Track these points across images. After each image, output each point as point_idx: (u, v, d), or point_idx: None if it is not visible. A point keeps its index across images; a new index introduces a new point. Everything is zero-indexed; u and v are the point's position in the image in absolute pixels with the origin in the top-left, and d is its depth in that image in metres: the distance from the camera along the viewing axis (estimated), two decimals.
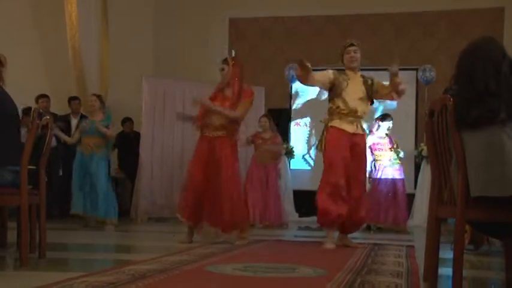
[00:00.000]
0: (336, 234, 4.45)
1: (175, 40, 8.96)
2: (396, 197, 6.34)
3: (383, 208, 6.30)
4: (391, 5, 8.67)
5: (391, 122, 6.44)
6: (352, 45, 4.39)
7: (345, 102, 4.29)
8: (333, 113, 4.35)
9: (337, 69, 4.49)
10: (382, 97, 4.53)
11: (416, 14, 8.80)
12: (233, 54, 8.91)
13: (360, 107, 4.34)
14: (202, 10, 9.07)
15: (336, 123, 4.31)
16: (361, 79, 4.41)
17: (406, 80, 8.42)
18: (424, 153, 7.09)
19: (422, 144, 7.13)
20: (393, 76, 4.27)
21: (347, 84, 4.32)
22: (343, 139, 4.27)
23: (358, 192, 4.31)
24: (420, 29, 8.80)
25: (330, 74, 4.37)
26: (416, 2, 8.60)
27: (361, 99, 4.34)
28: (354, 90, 4.32)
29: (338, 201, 4.20)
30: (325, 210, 4.23)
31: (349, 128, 4.29)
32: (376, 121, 6.52)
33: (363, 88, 4.37)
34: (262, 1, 8.98)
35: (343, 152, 4.24)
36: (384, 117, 6.53)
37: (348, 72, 4.40)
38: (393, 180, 6.39)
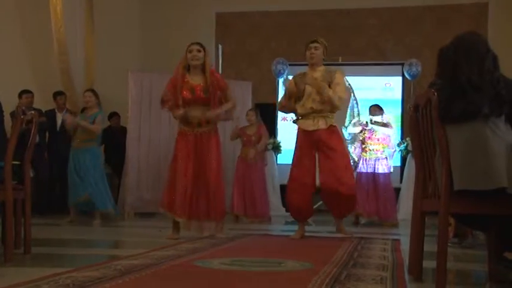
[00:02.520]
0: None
1: (162, 34, 8.91)
2: (378, 190, 6.34)
3: (367, 202, 6.31)
4: (376, 0, 8.72)
5: (380, 115, 6.42)
6: (314, 41, 4.45)
7: (303, 106, 4.45)
8: (297, 112, 4.53)
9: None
10: None
11: (401, 9, 8.86)
12: (220, 49, 8.91)
13: (318, 104, 4.40)
14: (189, 4, 9.04)
15: (299, 123, 4.52)
16: (320, 74, 4.45)
17: (392, 73, 8.62)
18: (410, 147, 7.14)
19: (407, 138, 7.19)
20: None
21: (304, 86, 4.45)
22: (305, 138, 4.45)
23: (332, 168, 4.35)
24: (405, 24, 8.87)
25: (291, 85, 4.54)
26: None
27: (319, 95, 4.40)
28: (311, 90, 4.41)
29: (299, 192, 4.40)
30: (289, 203, 4.56)
31: (309, 126, 4.42)
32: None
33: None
34: None
35: (304, 151, 4.43)
36: (371, 109, 6.49)
37: (308, 70, 4.48)
38: (375, 174, 6.37)
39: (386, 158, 6.43)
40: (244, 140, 6.73)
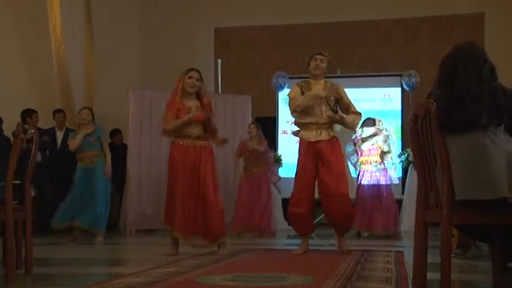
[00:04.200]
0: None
1: (161, 50, 8.95)
2: (381, 202, 6.32)
3: (369, 214, 6.29)
4: (374, 12, 8.77)
5: (373, 127, 6.43)
6: (320, 54, 4.49)
7: (304, 116, 4.46)
8: (300, 122, 4.55)
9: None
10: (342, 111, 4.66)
11: (399, 20, 8.91)
12: (219, 64, 8.95)
13: (321, 114, 4.42)
14: (187, 20, 9.09)
15: (302, 134, 4.52)
16: (322, 86, 4.50)
17: (391, 84, 8.64)
18: (411, 158, 7.13)
19: (408, 149, 7.18)
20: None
21: (305, 92, 4.49)
22: (308, 150, 4.46)
23: (331, 190, 4.37)
24: (403, 35, 8.91)
25: (297, 90, 4.53)
26: (398, 8, 8.70)
27: (323, 106, 4.45)
28: (319, 102, 4.45)
29: (300, 205, 4.39)
30: (291, 217, 4.53)
31: (311, 137, 4.44)
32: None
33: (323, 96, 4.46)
34: (247, 10, 9.02)
35: (307, 162, 4.44)
36: (364, 122, 6.49)
37: (311, 81, 4.51)
38: (377, 186, 6.36)
39: (386, 169, 6.43)
40: (247, 155, 6.71)
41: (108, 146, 6.23)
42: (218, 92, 8.56)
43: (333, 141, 4.48)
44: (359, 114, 4.58)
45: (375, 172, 6.39)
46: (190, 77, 4.42)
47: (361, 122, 6.49)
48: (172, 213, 4.32)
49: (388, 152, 6.45)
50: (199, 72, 4.50)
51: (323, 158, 4.42)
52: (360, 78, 8.47)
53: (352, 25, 8.94)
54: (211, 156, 4.48)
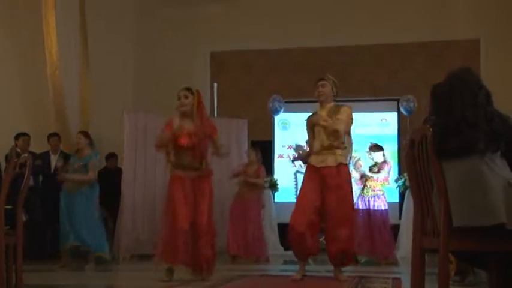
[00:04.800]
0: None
1: (157, 74, 8.99)
2: (375, 228, 6.26)
3: (365, 240, 6.25)
4: (370, 37, 8.86)
5: (380, 152, 6.44)
6: (320, 79, 4.54)
7: (314, 144, 4.53)
8: (310, 150, 4.62)
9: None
10: None
11: (394, 46, 8.99)
12: (215, 88, 8.99)
13: (327, 141, 4.43)
14: (183, 44, 9.16)
15: (310, 159, 4.55)
16: (326, 112, 4.52)
17: (388, 109, 8.68)
18: (408, 183, 7.12)
19: (405, 174, 7.18)
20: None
21: (313, 125, 4.55)
22: (313, 175, 4.46)
23: (336, 223, 4.36)
24: (399, 60, 8.98)
25: (308, 128, 4.63)
26: (393, 33, 8.80)
27: (328, 133, 4.46)
28: (319, 128, 4.48)
29: (299, 224, 4.33)
30: (290, 239, 4.45)
31: (317, 162, 4.46)
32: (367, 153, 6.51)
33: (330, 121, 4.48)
34: (243, 34, 9.09)
35: (311, 187, 4.43)
36: (370, 148, 6.50)
37: (319, 108, 4.56)
38: (372, 211, 6.30)
39: (383, 194, 6.41)
40: (242, 179, 6.69)
41: (93, 174, 6.10)
42: (214, 115, 8.58)
43: (340, 168, 4.46)
44: (339, 120, 4.42)
45: (372, 197, 6.37)
46: (178, 98, 4.45)
47: (362, 145, 6.57)
48: (167, 243, 4.30)
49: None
50: (188, 89, 4.47)
51: (327, 185, 4.40)
52: (356, 102, 8.49)
53: (348, 49, 9.02)
54: (209, 187, 4.45)
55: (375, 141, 6.62)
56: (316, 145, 4.49)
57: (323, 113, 4.52)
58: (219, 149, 4.52)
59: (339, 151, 4.46)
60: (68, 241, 5.90)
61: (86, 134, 6.26)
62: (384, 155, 6.43)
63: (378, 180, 6.37)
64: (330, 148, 4.44)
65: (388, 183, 6.69)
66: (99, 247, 5.96)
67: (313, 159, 4.50)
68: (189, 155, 4.38)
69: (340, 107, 4.54)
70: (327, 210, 4.37)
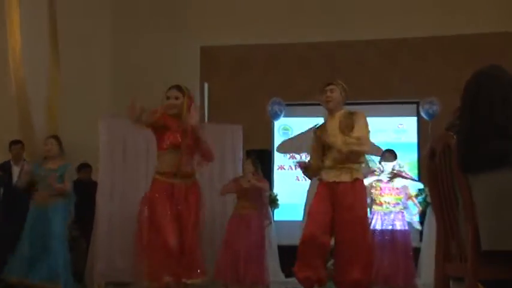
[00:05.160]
0: None
1: (137, 73, 8.97)
2: (395, 250, 6.29)
3: (383, 265, 6.23)
4: (384, 31, 8.84)
5: (394, 161, 6.45)
6: (328, 84, 4.54)
7: (327, 158, 4.51)
8: (322, 165, 4.59)
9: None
10: None
11: (412, 41, 8.96)
12: (205, 88, 8.99)
13: (340, 155, 4.43)
14: (169, 38, 9.16)
15: (321, 175, 4.57)
16: (337, 122, 4.53)
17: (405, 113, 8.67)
18: (429, 199, 7.10)
19: (426, 188, 7.16)
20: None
21: (322, 135, 4.56)
22: (326, 191, 4.47)
23: (347, 248, 4.36)
24: (417, 57, 8.95)
25: (313, 140, 4.65)
26: (411, 26, 8.75)
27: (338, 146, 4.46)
28: (329, 139, 4.50)
29: (310, 260, 4.34)
30: (296, 269, 4.44)
31: (329, 176, 4.46)
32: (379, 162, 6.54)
33: (338, 133, 4.49)
34: (238, 27, 9.10)
35: (322, 204, 4.43)
36: (383, 155, 6.52)
37: (327, 115, 4.57)
38: (392, 231, 6.34)
39: (402, 211, 6.40)
40: (239, 193, 6.66)
41: (71, 187, 6.13)
42: (204, 120, 8.56)
43: (356, 184, 4.46)
44: (359, 139, 4.41)
45: (389, 215, 6.36)
46: (167, 98, 4.44)
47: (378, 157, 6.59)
48: (151, 261, 4.30)
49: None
50: (178, 87, 4.49)
51: (340, 204, 4.40)
52: (368, 105, 8.43)
53: (358, 45, 9.01)
54: (200, 195, 4.45)
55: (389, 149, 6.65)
56: (329, 160, 4.49)
57: (332, 124, 4.50)
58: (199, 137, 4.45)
59: (356, 165, 4.47)
60: (30, 276, 5.76)
61: (58, 140, 6.23)
62: (400, 165, 6.44)
63: (393, 193, 6.36)
64: (345, 163, 4.44)
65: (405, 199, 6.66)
66: (67, 283, 5.87)
67: (325, 174, 4.50)
68: (178, 158, 4.36)
69: (353, 114, 4.52)
70: (339, 234, 4.36)
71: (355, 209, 4.41)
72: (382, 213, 6.39)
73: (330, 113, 4.56)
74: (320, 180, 4.59)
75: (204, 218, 4.58)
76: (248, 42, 9.21)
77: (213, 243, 6.79)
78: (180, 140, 4.35)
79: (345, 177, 4.43)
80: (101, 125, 7.40)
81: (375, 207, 6.44)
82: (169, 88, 4.50)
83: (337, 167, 4.45)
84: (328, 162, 4.50)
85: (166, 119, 4.37)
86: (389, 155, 6.48)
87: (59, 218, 5.93)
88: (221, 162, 7.74)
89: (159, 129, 4.38)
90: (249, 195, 6.62)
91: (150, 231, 4.37)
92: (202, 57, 9.39)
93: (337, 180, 4.43)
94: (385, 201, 6.42)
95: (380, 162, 6.53)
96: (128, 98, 8.81)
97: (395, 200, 6.43)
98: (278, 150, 8.43)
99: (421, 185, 6.82)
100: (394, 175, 6.40)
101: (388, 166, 6.42)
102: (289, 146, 8.31)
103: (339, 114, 4.53)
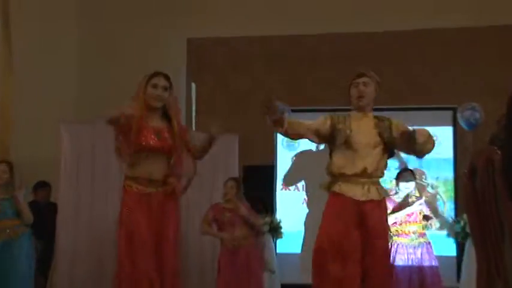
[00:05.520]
0: None
1: (109, 72, 9.00)
2: None
3: None
4: (414, 20, 8.86)
5: (412, 181, 6.46)
6: (361, 75, 4.48)
7: (352, 164, 4.38)
8: (333, 174, 4.44)
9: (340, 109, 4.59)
10: (403, 148, 4.57)
11: (448, 32, 8.99)
12: (193, 89, 9.00)
13: (372, 163, 4.37)
14: (148, 27, 9.18)
15: (338, 187, 4.38)
16: (373, 122, 4.46)
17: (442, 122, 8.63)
18: (468, 228, 7.10)
19: (464, 215, 7.15)
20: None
21: (350, 131, 4.39)
22: (347, 210, 4.32)
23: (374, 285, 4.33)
24: (454, 53, 8.97)
25: (324, 119, 4.51)
26: (446, 15, 8.78)
27: (373, 151, 4.39)
28: (361, 140, 4.38)
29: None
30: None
31: (357, 193, 4.34)
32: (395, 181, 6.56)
33: (375, 135, 4.42)
34: (233, 14, 9.14)
35: (345, 229, 4.29)
36: (400, 175, 6.53)
37: (354, 114, 4.49)
38: (419, 268, 6.35)
39: (430, 242, 6.40)
40: (221, 222, 6.66)
41: (26, 208, 6.27)
42: (192, 128, 8.57)
43: (382, 204, 4.45)
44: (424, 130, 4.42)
45: (415, 248, 6.35)
46: (154, 86, 4.42)
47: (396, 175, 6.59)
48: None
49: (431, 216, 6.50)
50: (167, 77, 4.49)
51: (369, 229, 4.34)
52: (391, 112, 8.40)
53: (380, 37, 9.04)
54: (177, 210, 4.45)
55: (410, 166, 6.71)
56: (357, 166, 4.38)
57: (365, 124, 4.44)
58: (197, 152, 4.57)
59: (380, 180, 4.48)
60: None
61: (10, 166, 6.35)
62: (433, 187, 6.46)
63: (417, 221, 6.37)
64: (374, 176, 4.41)
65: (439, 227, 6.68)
66: None
67: (348, 188, 4.39)
68: (155, 162, 4.35)
69: (387, 120, 4.51)
70: (365, 270, 4.32)
71: (383, 235, 4.40)
72: (406, 245, 6.38)
73: (360, 111, 4.51)
74: (334, 194, 4.43)
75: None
76: (246, 33, 9.24)
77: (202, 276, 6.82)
78: (159, 143, 4.36)
79: (374, 195, 4.38)
80: (63, 133, 7.42)
81: (397, 238, 6.44)
82: (154, 74, 4.47)
83: (362, 180, 4.38)
84: (352, 168, 4.39)
85: (142, 118, 4.34)
86: (405, 174, 6.48)
87: (26, 253, 6.13)
88: (212, 179, 7.74)
89: (129, 127, 4.34)
90: (233, 221, 6.63)
91: (129, 262, 4.35)
92: (189, 52, 9.43)
93: (365, 198, 4.34)
94: (411, 231, 6.41)
95: (397, 184, 6.50)
96: (96, 102, 8.91)
97: (422, 228, 6.42)
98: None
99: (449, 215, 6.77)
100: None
101: (406, 188, 6.43)
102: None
103: (370, 116, 4.51)
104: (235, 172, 7.97)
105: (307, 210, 8.23)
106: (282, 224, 8.09)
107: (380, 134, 4.44)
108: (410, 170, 6.63)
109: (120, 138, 4.42)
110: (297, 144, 8.73)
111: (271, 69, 9.18)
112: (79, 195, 7.43)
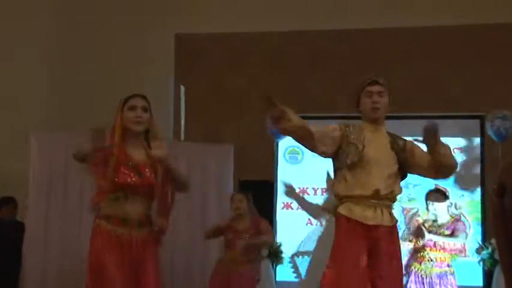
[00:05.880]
0: None
1: (85, 73, 8.99)
2: None
3: None
4: (426, 18, 8.86)
5: (445, 202, 6.51)
6: (375, 82, 4.49)
7: (364, 184, 4.36)
8: (340, 195, 4.43)
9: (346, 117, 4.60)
10: (418, 170, 4.57)
11: (476, 28, 9.00)
12: (182, 93, 9.00)
13: (385, 183, 4.39)
14: (131, 22, 9.19)
15: (346, 209, 4.38)
16: (387, 139, 4.48)
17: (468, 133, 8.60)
18: (497, 255, 7.10)
19: (493, 240, 7.16)
20: (430, 139, 4.33)
21: (363, 146, 4.39)
22: (357, 236, 4.32)
23: None
24: (481, 53, 8.97)
25: (332, 129, 4.45)
26: (472, 10, 8.81)
27: (387, 169, 4.40)
28: (374, 156, 4.39)
29: None
30: None
31: (368, 217, 4.35)
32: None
33: (390, 152, 4.44)
34: (227, 7, 9.15)
35: (355, 258, 4.28)
36: (431, 194, 6.55)
37: (366, 125, 4.48)
38: None
39: (454, 273, 6.40)
40: (229, 238, 6.68)
41: None
42: (180, 137, 8.59)
43: (394, 230, 4.45)
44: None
45: (435, 276, 6.37)
46: (132, 108, 4.43)
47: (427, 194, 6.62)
48: None
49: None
50: (145, 98, 4.44)
51: (379, 255, 4.34)
52: (409, 120, 8.37)
53: (393, 34, 9.04)
54: (154, 252, 4.40)
55: (440, 184, 6.67)
56: (368, 187, 4.40)
57: (379, 138, 4.43)
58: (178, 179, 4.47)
59: (392, 203, 4.47)
60: None
61: None
62: (456, 207, 6.48)
63: (446, 250, 6.39)
64: (387, 198, 4.40)
65: (463, 255, 6.69)
66: None
67: (358, 211, 4.37)
68: (135, 202, 4.36)
69: (407, 142, 4.49)
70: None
71: (394, 264, 4.38)
72: (424, 274, 6.40)
73: (374, 122, 4.50)
74: (341, 216, 4.39)
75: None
76: (241, 29, 9.25)
77: None
78: (139, 181, 4.29)
79: (386, 220, 4.36)
80: (33, 144, 7.42)
81: (416, 264, 6.45)
82: (129, 96, 4.43)
83: (374, 202, 4.35)
84: (362, 191, 4.38)
85: (121, 151, 4.31)
86: (436, 195, 6.51)
87: None
88: (202, 195, 7.76)
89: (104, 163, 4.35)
90: (242, 240, 6.65)
91: None
92: (177, 49, 9.42)
93: (376, 223, 4.32)
94: (434, 258, 6.42)
95: (427, 207, 6.53)
96: (70, 108, 8.88)
97: (449, 258, 6.43)
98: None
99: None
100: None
101: (440, 208, 6.45)
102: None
103: (384, 129, 4.50)
104: (230, 187, 7.98)
105: (310, 232, 8.24)
106: (282, 248, 8.10)
107: (395, 152, 4.45)
108: (442, 190, 6.62)
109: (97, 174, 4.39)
110: (300, 157, 8.75)
111: (268, 69, 9.17)
112: (50, 212, 7.42)
